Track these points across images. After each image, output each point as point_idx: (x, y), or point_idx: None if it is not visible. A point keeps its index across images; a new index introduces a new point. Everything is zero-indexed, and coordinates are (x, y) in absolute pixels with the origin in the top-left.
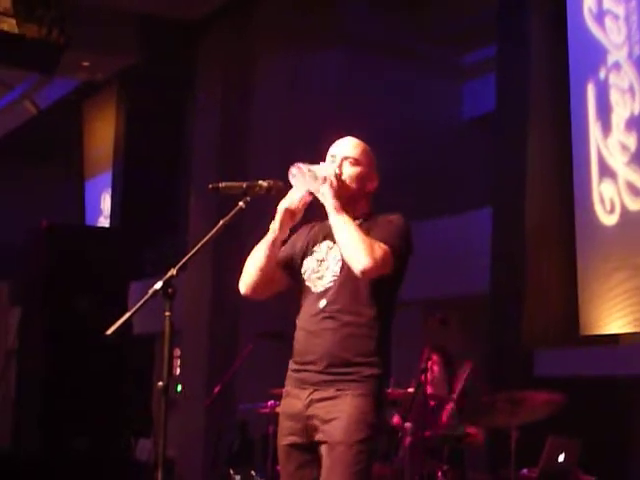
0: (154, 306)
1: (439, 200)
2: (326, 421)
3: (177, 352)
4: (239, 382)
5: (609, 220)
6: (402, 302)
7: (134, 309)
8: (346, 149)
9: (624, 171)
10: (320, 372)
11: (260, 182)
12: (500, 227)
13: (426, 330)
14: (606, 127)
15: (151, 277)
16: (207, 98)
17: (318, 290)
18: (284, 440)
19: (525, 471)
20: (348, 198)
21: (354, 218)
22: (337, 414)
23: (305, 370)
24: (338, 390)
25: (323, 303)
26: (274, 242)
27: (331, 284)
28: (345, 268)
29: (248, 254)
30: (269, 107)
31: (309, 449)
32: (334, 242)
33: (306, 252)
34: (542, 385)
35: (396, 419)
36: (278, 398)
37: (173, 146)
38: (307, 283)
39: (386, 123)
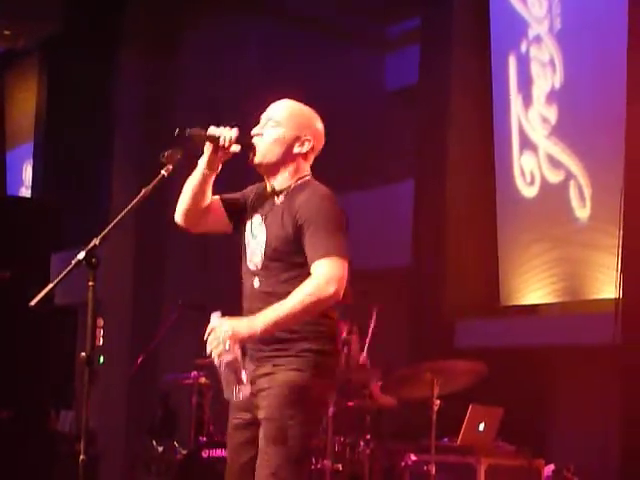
0: (77, 277)
1: (362, 172)
2: (263, 397)
3: (100, 322)
4: (163, 353)
5: (529, 192)
6: None
7: (57, 279)
8: (271, 111)
9: (544, 144)
10: (259, 349)
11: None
12: (422, 199)
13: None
14: (527, 100)
15: (73, 248)
16: (131, 68)
17: (251, 268)
18: (233, 416)
19: (446, 440)
20: (274, 161)
21: (279, 188)
22: (272, 390)
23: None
24: (274, 366)
25: (256, 284)
26: (203, 177)
27: (260, 266)
28: (269, 252)
29: (171, 223)
30: (194, 76)
31: (253, 425)
32: (262, 218)
33: (251, 213)
34: (463, 356)
35: None
36: (202, 369)
37: (96, 116)
38: (246, 248)
39: (308, 95)
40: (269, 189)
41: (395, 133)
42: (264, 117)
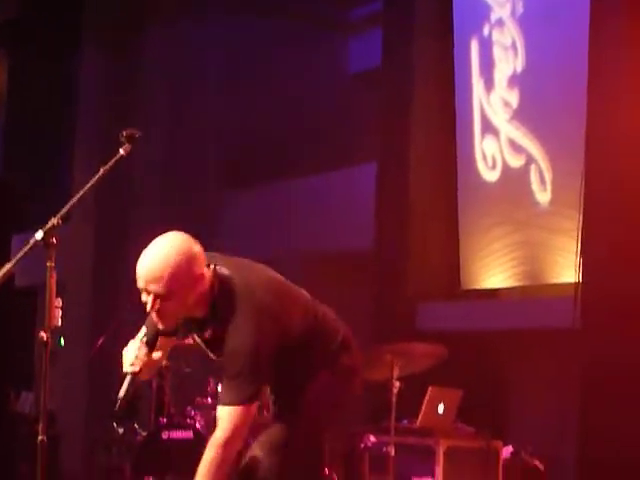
0: (37, 258)
1: (325, 154)
2: None
3: (59, 302)
4: (123, 334)
5: (491, 176)
6: (286, 256)
7: (15, 259)
8: (150, 284)
9: (506, 128)
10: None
11: None
12: (384, 182)
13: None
14: (489, 84)
15: (34, 229)
16: (93, 50)
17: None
18: None
19: (405, 422)
20: (186, 314)
21: (203, 324)
22: None
23: None
24: None
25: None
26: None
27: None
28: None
29: (132, 203)
30: (157, 59)
31: None
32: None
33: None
34: (425, 338)
35: None
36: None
37: (57, 98)
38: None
39: (272, 78)
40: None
41: (358, 116)
42: (146, 290)
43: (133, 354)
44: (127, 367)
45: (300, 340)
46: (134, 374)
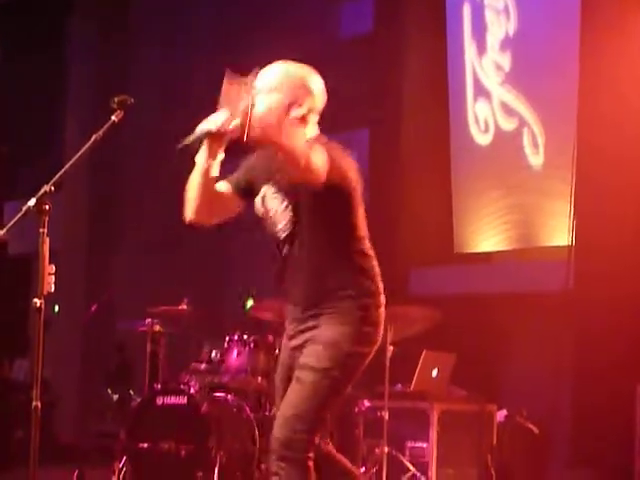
0: (31, 226)
1: (318, 121)
2: (306, 347)
3: (52, 269)
4: (117, 301)
5: (484, 140)
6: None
7: (7, 227)
8: (260, 80)
9: (498, 91)
10: (302, 310)
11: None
12: (377, 147)
13: None
14: (481, 47)
15: (27, 196)
16: (85, 23)
17: (279, 235)
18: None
19: (399, 386)
20: (275, 130)
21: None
22: (314, 340)
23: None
24: (318, 319)
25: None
26: (205, 170)
27: (285, 231)
28: (294, 213)
29: (125, 169)
30: (148, 30)
31: None
32: (275, 188)
33: (261, 184)
34: (418, 303)
35: (270, 337)
36: (156, 316)
37: (49, 66)
38: (268, 222)
39: (262, 44)
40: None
41: (350, 81)
42: (255, 88)
43: (218, 117)
44: (206, 124)
45: (355, 233)
46: (210, 131)
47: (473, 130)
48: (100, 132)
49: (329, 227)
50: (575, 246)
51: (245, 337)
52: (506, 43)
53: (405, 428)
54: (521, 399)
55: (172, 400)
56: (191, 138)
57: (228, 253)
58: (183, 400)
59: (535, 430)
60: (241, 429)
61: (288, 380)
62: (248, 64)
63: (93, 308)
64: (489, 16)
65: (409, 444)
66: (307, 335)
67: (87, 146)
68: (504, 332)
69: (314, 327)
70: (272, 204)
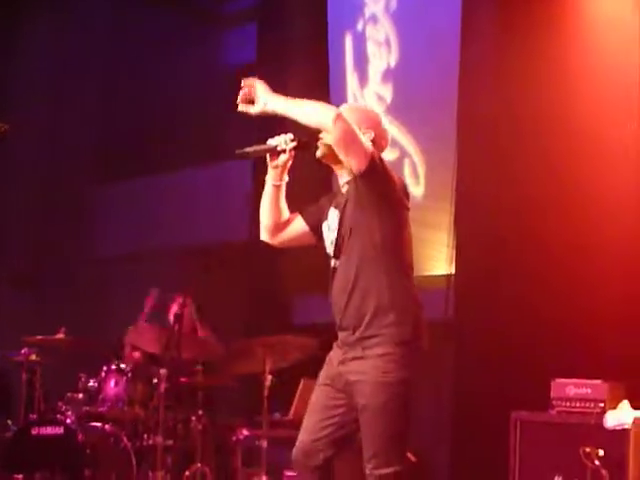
0: None
1: (199, 148)
2: (356, 382)
3: None
4: None
5: None
6: (160, 249)
7: None
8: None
9: None
10: (348, 335)
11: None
12: (261, 175)
13: (187, 277)
14: (363, 79)
15: None
16: None
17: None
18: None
19: (277, 415)
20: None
21: (348, 178)
22: (364, 375)
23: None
24: (364, 349)
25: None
26: (274, 190)
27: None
28: (344, 231)
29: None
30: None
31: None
32: (339, 209)
33: (326, 214)
34: (300, 332)
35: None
36: (32, 345)
37: None
38: (326, 242)
39: (146, 71)
40: (340, 183)
41: (233, 110)
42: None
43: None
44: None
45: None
46: (274, 147)
47: None
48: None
49: (375, 244)
50: (454, 275)
51: (122, 366)
52: (387, 75)
53: (284, 457)
54: None
55: (48, 430)
56: (252, 149)
57: (107, 282)
58: (59, 430)
59: (413, 458)
60: (118, 459)
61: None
62: (134, 90)
63: None
64: (370, 48)
65: (287, 473)
66: (354, 365)
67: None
68: None
69: (360, 358)
70: (330, 220)
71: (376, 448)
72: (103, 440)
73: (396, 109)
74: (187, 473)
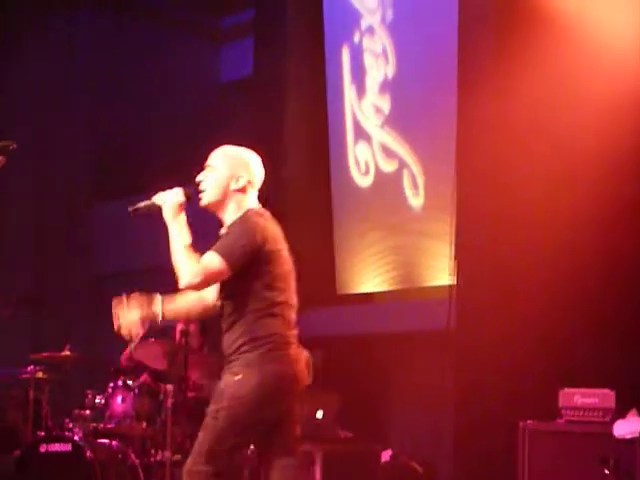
0: None
1: (197, 164)
2: None
3: None
4: None
5: (364, 181)
6: (162, 267)
7: None
8: (209, 159)
9: (378, 133)
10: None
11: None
12: (259, 189)
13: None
14: (361, 90)
15: None
16: None
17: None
18: None
19: None
20: (215, 202)
21: (227, 223)
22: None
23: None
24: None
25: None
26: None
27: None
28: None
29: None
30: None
31: None
32: None
33: None
34: (304, 346)
35: (145, 377)
36: (38, 363)
37: None
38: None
39: (142, 86)
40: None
41: (230, 125)
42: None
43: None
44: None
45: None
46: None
47: (354, 172)
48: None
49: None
50: (456, 286)
51: (129, 382)
52: (385, 86)
53: None
54: (406, 438)
55: (56, 447)
56: (142, 205)
57: (109, 299)
58: (67, 447)
59: (419, 469)
60: (126, 475)
61: None
62: (128, 106)
63: None
64: (368, 59)
65: None
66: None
67: None
68: (388, 372)
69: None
70: None
71: (197, 447)
72: (111, 456)
73: (394, 120)
74: None
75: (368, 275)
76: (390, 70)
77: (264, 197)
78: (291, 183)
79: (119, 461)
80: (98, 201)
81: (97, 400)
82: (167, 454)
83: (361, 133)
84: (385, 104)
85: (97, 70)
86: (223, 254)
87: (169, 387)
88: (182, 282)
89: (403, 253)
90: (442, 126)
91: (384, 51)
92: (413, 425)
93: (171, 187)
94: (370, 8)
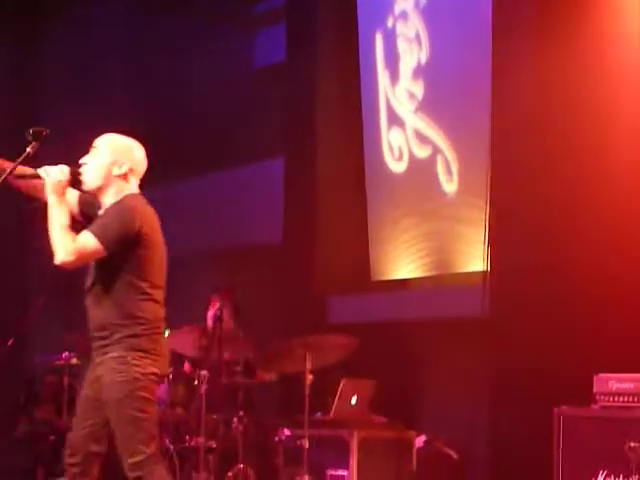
0: None
1: (232, 150)
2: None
3: None
4: (33, 334)
5: (398, 167)
6: (195, 253)
7: None
8: (95, 142)
9: (412, 119)
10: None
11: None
12: (292, 176)
13: (222, 279)
14: (394, 76)
15: None
16: None
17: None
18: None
19: (319, 414)
20: (97, 186)
21: (100, 206)
22: (104, 377)
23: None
24: (104, 354)
25: (88, 282)
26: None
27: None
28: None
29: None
30: (62, 59)
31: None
32: None
33: None
34: (336, 332)
35: (187, 366)
36: (73, 345)
37: None
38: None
39: (177, 75)
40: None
41: (265, 111)
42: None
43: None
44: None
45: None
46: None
47: (387, 158)
48: (15, 164)
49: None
50: (490, 271)
51: None
52: (418, 71)
53: (325, 456)
54: (440, 424)
55: None
56: (28, 172)
57: None
58: None
59: (454, 455)
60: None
61: None
62: (165, 94)
63: (10, 342)
64: (401, 45)
65: (329, 472)
66: (99, 370)
67: (4, 177)
68: (422, 358)
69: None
70: None
71: (134, 439)
72: None
73: (428, 105)
74: (230, 474)
75: (402, 262)
76: (423, 55)
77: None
78: (325, 169)
79: None
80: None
81: None
82: (201, 440)
83: (395, 119)
84: (419, 89)
85: (131, 58)
86: (98, 234)
87: (203, 373)
88: (57, 258)
89: (437, 239)
90: (476, 111)
91: (417, 36)
92: (447, 411)
93: (203, 173)
94: None
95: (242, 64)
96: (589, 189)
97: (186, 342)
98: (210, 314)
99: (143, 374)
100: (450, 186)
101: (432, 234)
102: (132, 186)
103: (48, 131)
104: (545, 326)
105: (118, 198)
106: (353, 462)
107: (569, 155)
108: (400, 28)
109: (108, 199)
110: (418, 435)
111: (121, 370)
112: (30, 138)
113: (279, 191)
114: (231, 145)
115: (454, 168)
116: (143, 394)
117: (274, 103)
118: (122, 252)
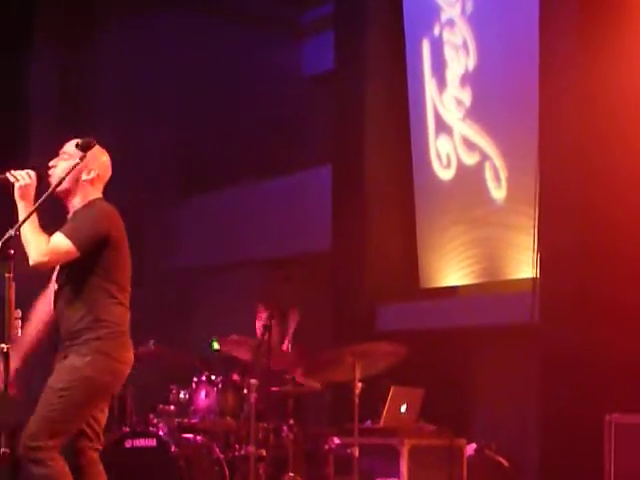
0: None
1: (281, 158)
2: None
3: (18, 313)
4: None
5: (446, 175)
6: (243, 261)
7: None
8: (64, 147)
9: (459, 126)
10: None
11: None
12: (340, 184)
13: (270, 288)
14: (441, 83)
15: None
16: (46, 48)
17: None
18: None
19: (369, 423)
20: (65, 189)
21: (68, 211)
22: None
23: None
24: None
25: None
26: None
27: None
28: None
29: None
30: (110, 62)
31: None
32: None
33: None
34: (385, 339)
35: (235, 376)
36: None
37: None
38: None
39: (227, 83)
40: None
41: (313, 118)
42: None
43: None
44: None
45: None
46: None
47: (435, 165)
48: (64, 174)
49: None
50: (539, 278)
51: (213, 377)
52: (466, 78)
53: (375, 464)
54: (490, 432)
55: (141, 442)
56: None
57: (191, 294)
58: (152, 442)
59: (505, 463)
60: (211, 470)
61: None
62: (214, 101)
63: None
64: (448, 52)
65: None
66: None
67: (51, 189)
68: (471, 366)
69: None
70: None
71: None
72: (196, 451)
73: (475, 113)
74: None
75: (451, 269)
76: (471, 62)
77: None
78: (372, 177)
79: (204, 456)
80: (182, 196)
81: (181, 395)
82: (251, 448)
83: (442, 126)
84: (466, 97)
85: (182, 68)
86: (71, 236)
87: (253, 381)
88: (30, 260)
89: (486, 246)
90: (524, 118)
91: (464, 43)
92: (498, 419)
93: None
94: (450, 0)
95: (290, 72)
96: None
97: (237, 351)
98: (259, 325)
99: (92, 378)
100: (498, 193)
101: (480, 241)
102: (98, 191)
103: (95, 142)
104: (595, 332)
105: (84, 202)
106: (404, 470)
107: (621, 159)
108: (447, 35)
109: (75, 203)
110: (468, 443)
111: (77, 367)
112: (79, 149)
113: (328, 199)
114: (279, 153)
115: (502, 175)
116: (81, 397)
117: (322, 111)
118: (92, 254)
